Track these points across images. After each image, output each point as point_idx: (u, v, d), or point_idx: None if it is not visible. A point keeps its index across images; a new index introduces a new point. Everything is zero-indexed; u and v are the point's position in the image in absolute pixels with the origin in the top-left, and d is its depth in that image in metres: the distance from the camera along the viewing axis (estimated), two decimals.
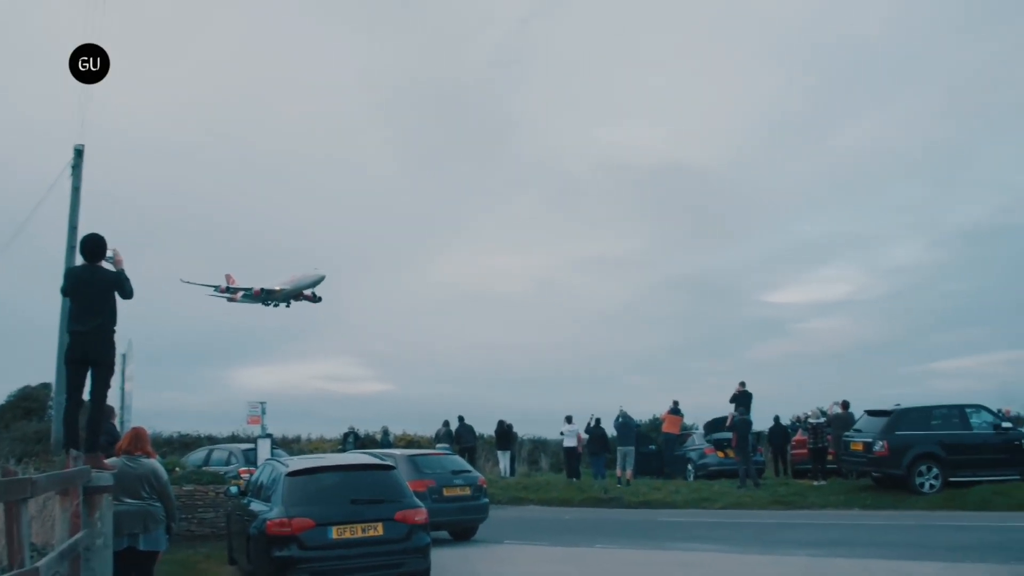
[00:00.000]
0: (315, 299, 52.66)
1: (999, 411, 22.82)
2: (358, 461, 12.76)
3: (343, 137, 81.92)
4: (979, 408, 21.36)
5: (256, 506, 11.73)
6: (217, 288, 51.85)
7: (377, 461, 12.65)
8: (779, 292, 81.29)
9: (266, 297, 52.14)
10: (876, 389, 73.86)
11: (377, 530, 10.84)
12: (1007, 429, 20.96)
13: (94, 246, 8.90)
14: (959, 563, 12.35)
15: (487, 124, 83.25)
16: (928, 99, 73.65)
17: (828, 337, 74.04)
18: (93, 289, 8.72)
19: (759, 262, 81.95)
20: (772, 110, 79.18)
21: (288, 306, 53.04)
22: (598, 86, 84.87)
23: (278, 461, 12.56)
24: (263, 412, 20.87)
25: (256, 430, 20.97)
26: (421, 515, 11.27)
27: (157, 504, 9.14)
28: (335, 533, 10.62)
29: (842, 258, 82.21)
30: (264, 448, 19.29)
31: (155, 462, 9.41)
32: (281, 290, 51.71)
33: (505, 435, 31.70)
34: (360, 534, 10.73)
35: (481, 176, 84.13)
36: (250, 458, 20.60)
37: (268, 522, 10.64)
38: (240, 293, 52.34)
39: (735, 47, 79.50)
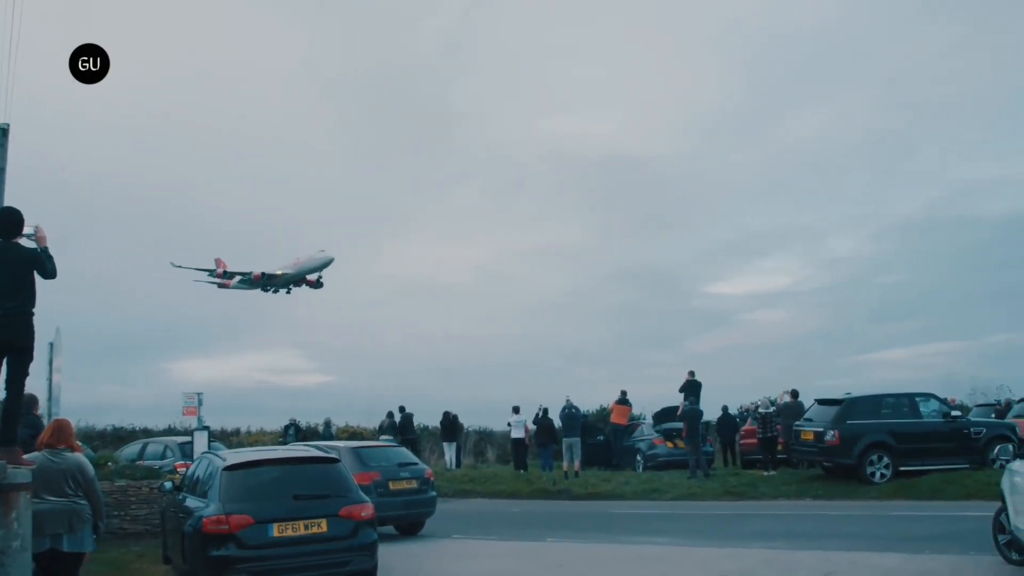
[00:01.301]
0: (317, 284, 50.39)
1: (945, 400, 22.83)
2: (300, 454, 12.13)
3: (286, 125, 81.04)
4: (929, 397, 21.32)
5: (192, 502, 11.09)
6: (213, 272, 49.59)
7: (320, 454, 12.04)
8: (723, 283, 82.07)
9: (266, 282, 49.80)
10: (817, 379, 74.90)
11: (321, 527, 10.27)
12: (956, 418, 20.93)
13: (8, 221, 8.17)
14: (919, 554, 12.14)
15: (432, 114, 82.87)
16: (870, 92, 74.63)
17: (770, 328, 74.84)
18: (7, 268, 7.96)
19: (703, 253, 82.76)
20: (717, 102, 79.86)
21: (288, 292, 50.82)
22: (543, 76, 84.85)
23: (215, 454, 11.90)
24: (199, 403, 20.11)
25: (192, 422, 20.22)
26: (367, 510, 10.73)
27: (83, 502, 8.49)
28: (276, 531, 10.03)
29: (784, 250, 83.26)
30: (201, 441, 18.59)
31: (80, 456, 8.75)
32: (283, 275, 49.39)
33: (451, 426, 31.21)
34: (303, 531, 10.15)
35: (426, 166, 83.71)
36: (187, 452, 19.94)
37: (204, 519, 10.03)
38: (236, 278, 49.89)
39: (681, 38, 79.86)
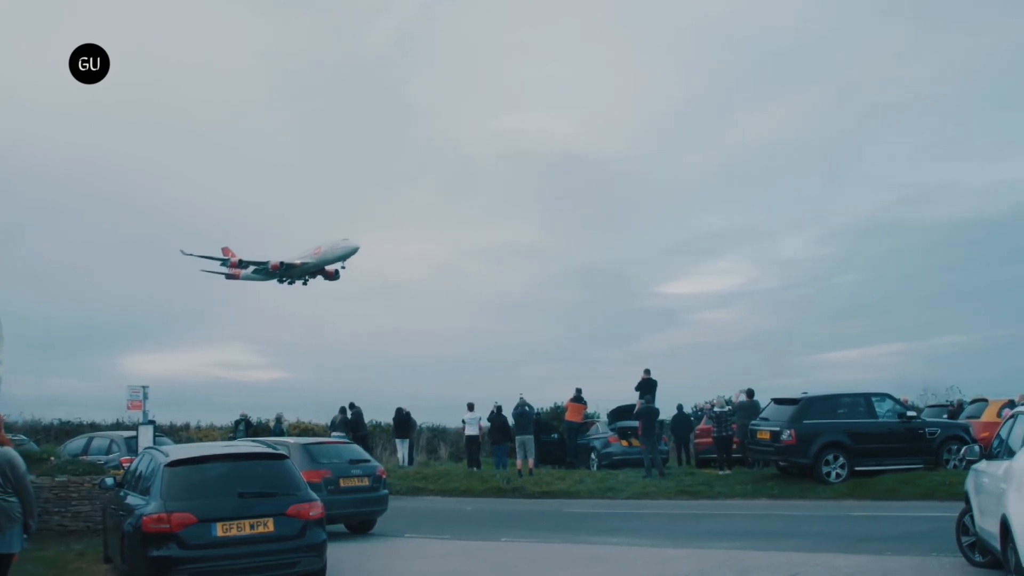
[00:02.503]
0: (335, 276, 48.25)
1: (899, 400, 22.81)
2: (247, 450, 11.72)
3: (241, 120, 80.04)
4: (884, 397, 21.25)
5: (132, 500, 10.65)
6: (226, 262, 47.64)
7: (268, 450, 11.63)
8: (675, 283, 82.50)
9: (283, 273, 47.72)
10: (769, 379, 75.47)
11: (267, 526, 9.88)
12: (912, 418, 20.89)
13: None
14: (881, 555, 11.97)
15: (388, 110, 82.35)
16: (821, 96, 75.42)
17: (722, 328, 75.45)
18: None
19: (656, 253, 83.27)
20: (673, 103, 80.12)
21: (305, 284, 48.98)
22: (500, 74, 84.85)
23: (157, 450, 11.42)
24: (145, 397, 19.46)
25: (137, 416, 19.59)
26: (316, 509, 10.36)
27: (12, 499, 8.04)
28: (220, 530, 9.64)
29: (736, 250, 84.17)
30: (146, 435, 18.01)
31: (10, 451, 8.28)
32: (302, 264, 47.24)
33: (404, 423, 30.80)
34: (248, 531, 9.76)
35: (381, 162, 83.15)
36: (133, 446, 19.35)
37: (144, 518, 9.60)
38: (251, 267, 47.85)
39: (639, 38, 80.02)
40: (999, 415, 22.30)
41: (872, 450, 20.22)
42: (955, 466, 19.97)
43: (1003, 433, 10.03)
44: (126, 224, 76.61)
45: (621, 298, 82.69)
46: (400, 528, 16.78)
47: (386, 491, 16.95)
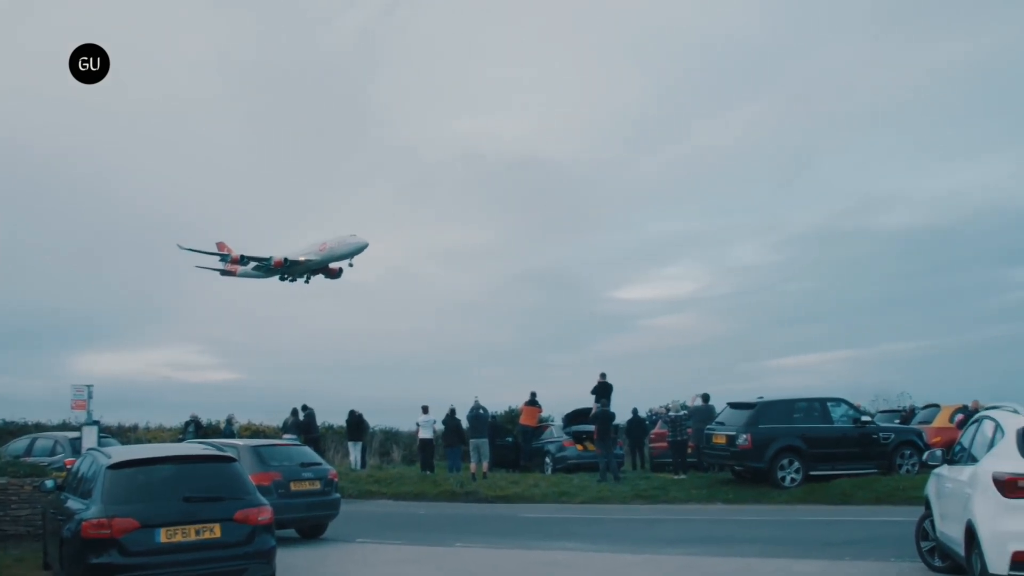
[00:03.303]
0: (338, 274, 46.84)
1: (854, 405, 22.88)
2: (193, 452, 11.34)
3: (197, 118, 79.05)
4: (840, 402, 21.34)
5: (73, 503, 10.23)
6: (227, 258, 46.06)
7: (215, 452, 11.25)
8: (629, 288, 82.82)
9: (286, 270, 46.11)
10: (720, 384, 76.38)
11: (214, 532, 9.51)
12: (866, 423, 20.97)
13: None
14: (840, 560, 11.93)
15: (345, 110, 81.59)
16: (777, 104, 76.13)
17: (675, 333, 75.84)
18: None
19: (611, 258, 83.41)
20: (631, 107, 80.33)
21: (307, 281, 47.44)
22: (459, 76, 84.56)
23: (99, 451, 11.01)
24: (89, 396, 18.98)
25: (81, 416, 19.09)
26: (265, 514, 9.99)
27: None
28: (164, 536, 9.25)
29: (690, 256, 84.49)
30: (90, 436, 17.53)
31: None
32: (306, 261, 45.62)
33: (356, 425, 30.43)
34: (193, 537, 9.38)
35: (337, 162, 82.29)
36: (78, 448, 18.89)
37: (83, 523, 9.19)
38: (251, 264, 46.23)
39: (599, 43, 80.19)
40: (951, 420, 22.54)
41: (827, 455, 20.27)
42: (908, 471, 20.11)
43: (964, 439, 9.97)
44: (80, 219, 75.30)
45: (576, 302, 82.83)
46: (352, 533, 16.48)
47: (338, 495, 16.64)
